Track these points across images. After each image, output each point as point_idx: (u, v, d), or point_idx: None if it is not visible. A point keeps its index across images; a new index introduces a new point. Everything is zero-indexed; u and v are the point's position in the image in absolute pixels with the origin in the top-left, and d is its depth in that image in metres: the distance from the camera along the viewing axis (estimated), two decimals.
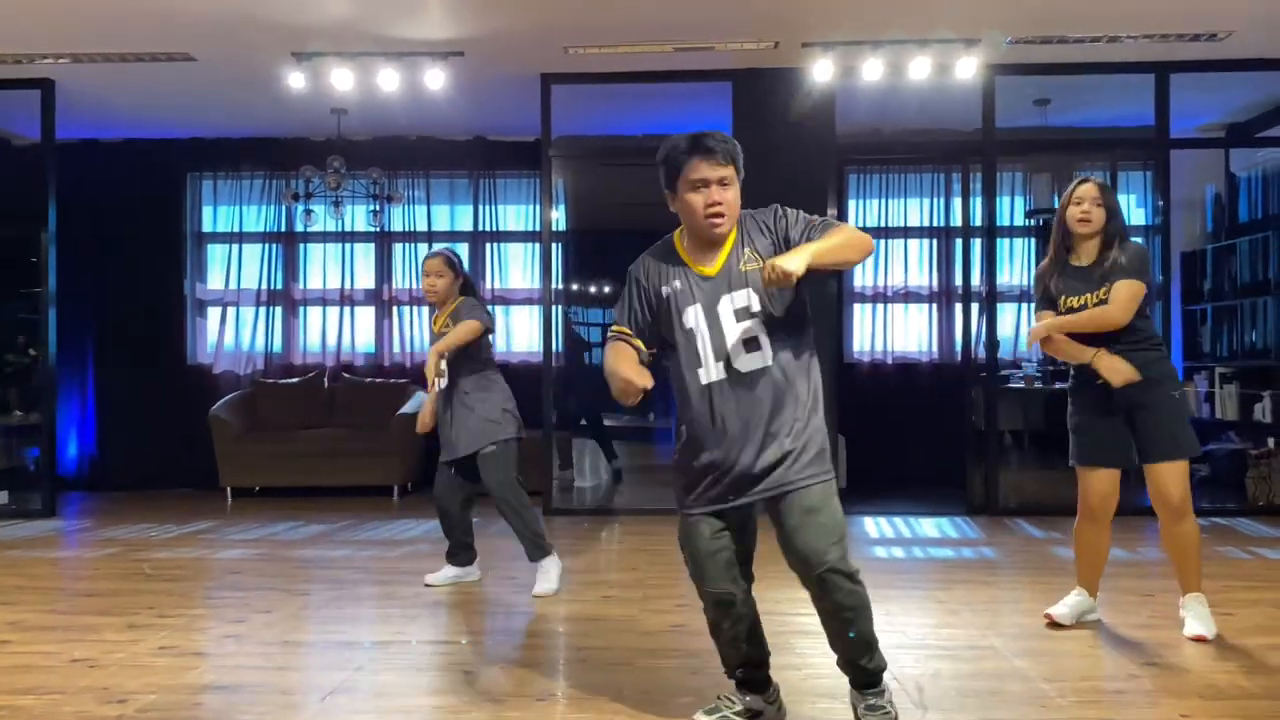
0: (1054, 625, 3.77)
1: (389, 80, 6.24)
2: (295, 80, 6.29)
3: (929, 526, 6.19)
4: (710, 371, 2.63)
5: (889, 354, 8.34)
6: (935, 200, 8.37)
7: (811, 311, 2.75)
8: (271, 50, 6.13)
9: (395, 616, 4.09)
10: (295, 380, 8.14)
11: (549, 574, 4.42)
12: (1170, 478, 3.59)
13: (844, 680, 3.19)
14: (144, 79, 6.63)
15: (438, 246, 5.05)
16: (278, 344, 8.45)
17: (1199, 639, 3.58)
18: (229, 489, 7.56)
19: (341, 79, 6.24)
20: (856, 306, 8.36)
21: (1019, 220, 8.20)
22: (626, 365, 2.58)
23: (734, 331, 2.61)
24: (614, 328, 2.73)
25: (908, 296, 8.38)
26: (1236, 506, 6.73)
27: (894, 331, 8.34)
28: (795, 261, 2.43)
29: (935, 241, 8.39)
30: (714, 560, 2.66)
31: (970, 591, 4.43)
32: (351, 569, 5.03)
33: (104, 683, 3.22)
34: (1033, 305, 3.85)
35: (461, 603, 4.36)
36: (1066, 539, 5.47)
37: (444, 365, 4.37)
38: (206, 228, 8.57)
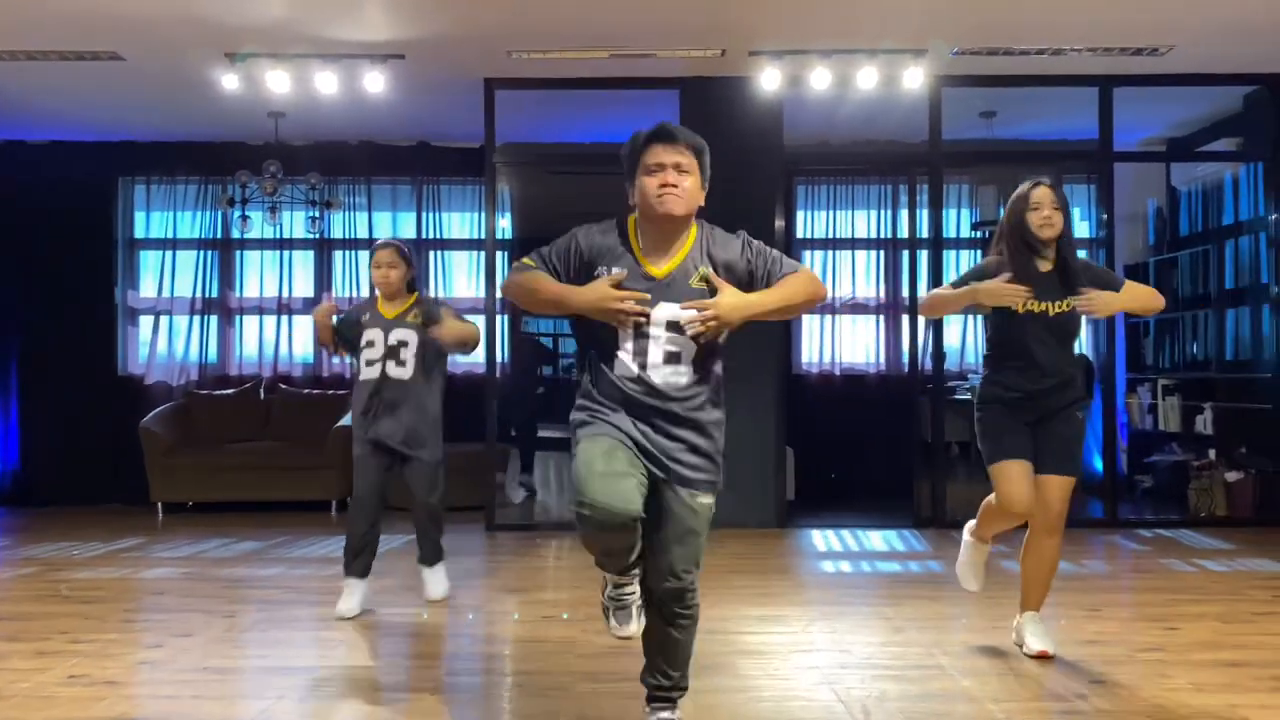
0: (1045, 656, 3.57)
1: (327, 83, 6.07)
2: (229, 82, 6.10)
3: (876, 539, 6.14)
4: (628, 367, 2.54)
5: (836, 365, 8.30)
6: (882, 212, 8.36)
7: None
8: (203, 51, 5.93)
9: (326, 640, 3.92)
10: (230, 391, 7.89)
11: (440, 576, 4.43)
12: (1062, 491, 3.55)
13: (791, 700, 3.11)
14: (71, 78, 6.38)
15: (385, 236, 4.82)
16: (212, 354, 8.19)
17: (1043, 655, 3.52)
18: (160, 504, 7.29)
19: (277, 81, 6.05)
20: (804, 318, 8.31)
21: (965, 232, 8.22)
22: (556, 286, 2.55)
23: (660, 341, 2.51)
24: (524, 261, 2.61)
25: (855, 308, 8.36)
26: (1179, 518, 6.76)
27: (841, 343, 8.31)
28: (735, 314, 2.45)
29: (882, 253, 8.38)
30: (623, 481, 2.44)
31: (917, 608, 4.36)
32: (282, 589, 4.83)
33: (6, 715, 3.01)
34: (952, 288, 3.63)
35: (395, 625, 4.19)
36: (1014, 552, 5.45)
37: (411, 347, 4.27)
38: (139, 234, 8.29)
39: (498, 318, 6.80)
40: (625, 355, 2.52)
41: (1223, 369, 7.38)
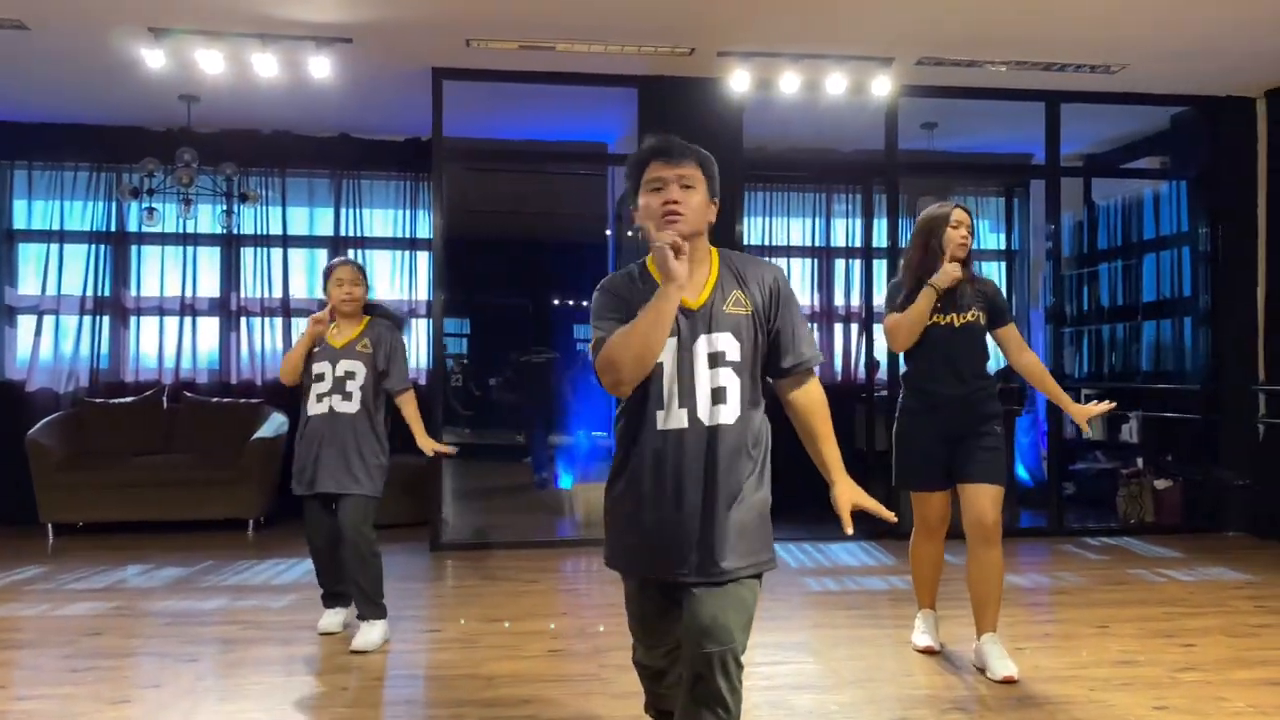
0: (930, 651, 3.84)
1: (266, 65, 5.55)
2: (153, 59, 5.51)
3: (840, 553, 6.02)
4: (670, 417, 2.24)
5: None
6: (817, 220, 8.32)
7: None
8: (125, 24, 5.33)
9: (315, 685, 3.50)
10: (129, 400, 7.18)
11: (375, 630, 3.98)
12: (993, 501, 3.61)
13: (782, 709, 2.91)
14: None
15: (339, 254, 4.43)
16: (104, 358, 7.45)
17: (1008, 680, 3.48)
18: (50, 525, 6.54)
19: (209, 61, 5.50)
20: None
21: (905, 242, 8.25)
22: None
23: (704, 378, 2.25)
24: (597, 342, 2.24)
25: None
26: (1116, 525, 6.92)
27: None
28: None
29: (817, 261, 8.33)
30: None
31: (948, 630, 4.21)
32: (238, 624, 4.33)
33: None
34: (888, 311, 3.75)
35: (399, 659, 3.80)
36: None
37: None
38: (19, 224, 7.46)
39: (442, 321, 6.35)
40: (662, 415, 2.24)
41: (1145, 379, 7.63)
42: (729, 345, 2.25)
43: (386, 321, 4.20)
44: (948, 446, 3.65)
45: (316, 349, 4.09)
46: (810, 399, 2.36)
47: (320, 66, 5.59)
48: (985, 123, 7.35)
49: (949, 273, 3.61)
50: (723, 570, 2.21)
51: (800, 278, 8.31)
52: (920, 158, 7.35)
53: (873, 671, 3.65)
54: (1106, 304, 8.15)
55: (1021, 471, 8.03)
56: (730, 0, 5.14)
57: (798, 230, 8.31)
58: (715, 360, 2.24)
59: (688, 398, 2.23)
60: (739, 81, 5.93)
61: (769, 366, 2.34)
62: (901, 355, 3.83)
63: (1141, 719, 3.14)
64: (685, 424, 2.22)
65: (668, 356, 2.23)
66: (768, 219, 8.21)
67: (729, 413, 2.24)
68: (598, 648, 3.99)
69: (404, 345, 4.24)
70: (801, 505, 7.32)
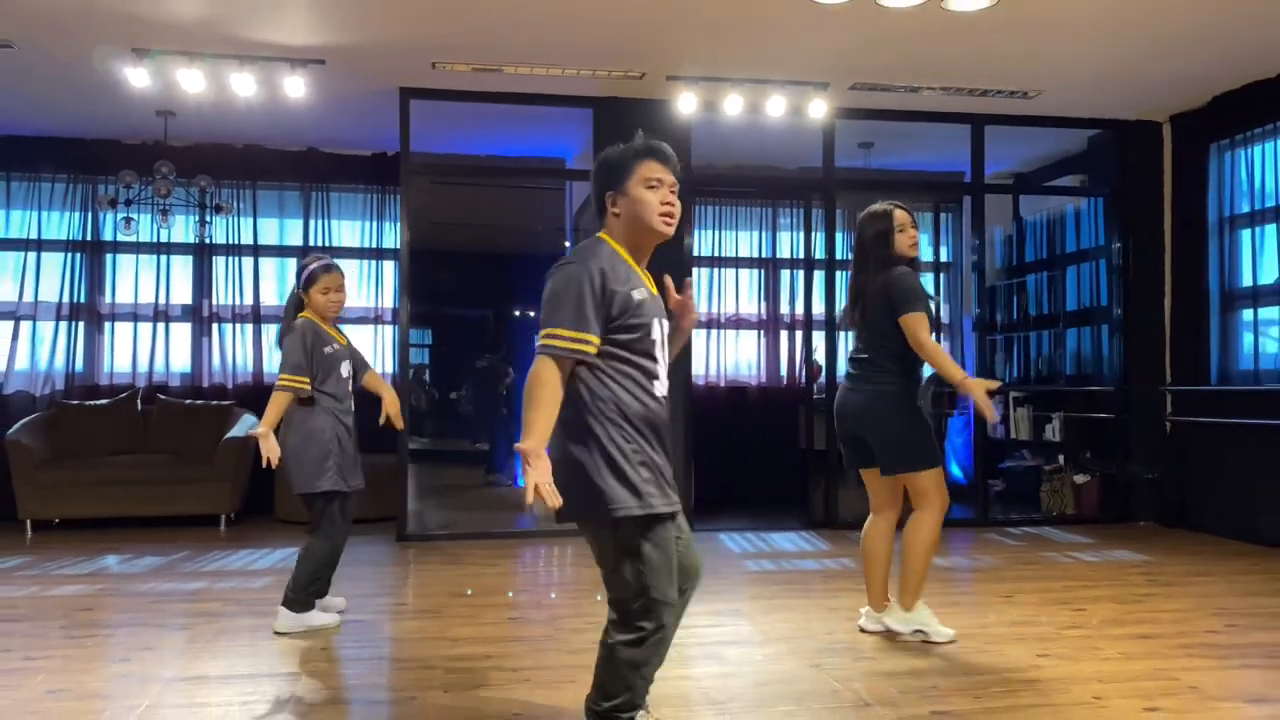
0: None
1: (244, 85, 5.92)
2: (136, 78, 5.86)
3: (781, 541, 6.47)
4: (662, 385, 2.56)
5: (721, 377, 8.67)
6: (763, 233, 8.81)
7: None
8: (110, 45, 5.68)
9: (295, 645, 3.87)
10: (105, 402, 7.47)
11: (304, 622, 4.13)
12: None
13: (792, 683, 3.36)
14: None
15: (323, 258, 4.60)
16: (80, 362, 7.74)
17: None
18: (28, 521, 6.82)
19: (189, 80, 5.86)
20: (694, 333, 8.62)
21: (842, 254, 8.75)
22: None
23: (665, 356, 2.58)
24: (578, 337, 2.39)
25: (738, 324, 8.76)
26: (1038, 517, 7.45)
27: (726, 356, 8.69)
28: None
29: (763, 272, 8.82)
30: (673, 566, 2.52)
31: (857, 598, 4.60)
32: (218, 601, 4.69)
33: None
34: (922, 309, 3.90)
35: (362, 627, 4.18)
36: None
37: None
38: None
39: (392, 329, 6.74)
40: (655, 375, 2.53)
41: (1067, 383, 8.18)
42: (667, 328, 2.62)
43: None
44: None
45: (330, 351, 4.17)
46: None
47: (295, 86, 5.97)
48: (919, 143, 7.87)
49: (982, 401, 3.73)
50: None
51: (749, 287, 8.79)
52: (857, 175, 7.86)
53: (797, 630, 4.09)
54: (1034, 312, 8.71)
55: (955, 470, 8.54)
56: (676, 29, 5.60)
57: (745, 243, 8.79)
58: (663, 341, 2.58)
59: (664, 369, 2.57)
60: (686, 104, 6.39)
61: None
62: (889, 345, 3.87)
63: (1026, 665, 3.60)
64: (664, 393, 2.58)
65: (659, 333, 2.54)
66: (717, 232, 8.69)
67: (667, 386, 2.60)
68: (553, 615, 4.39)
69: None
70: (746, 498, 7.87)
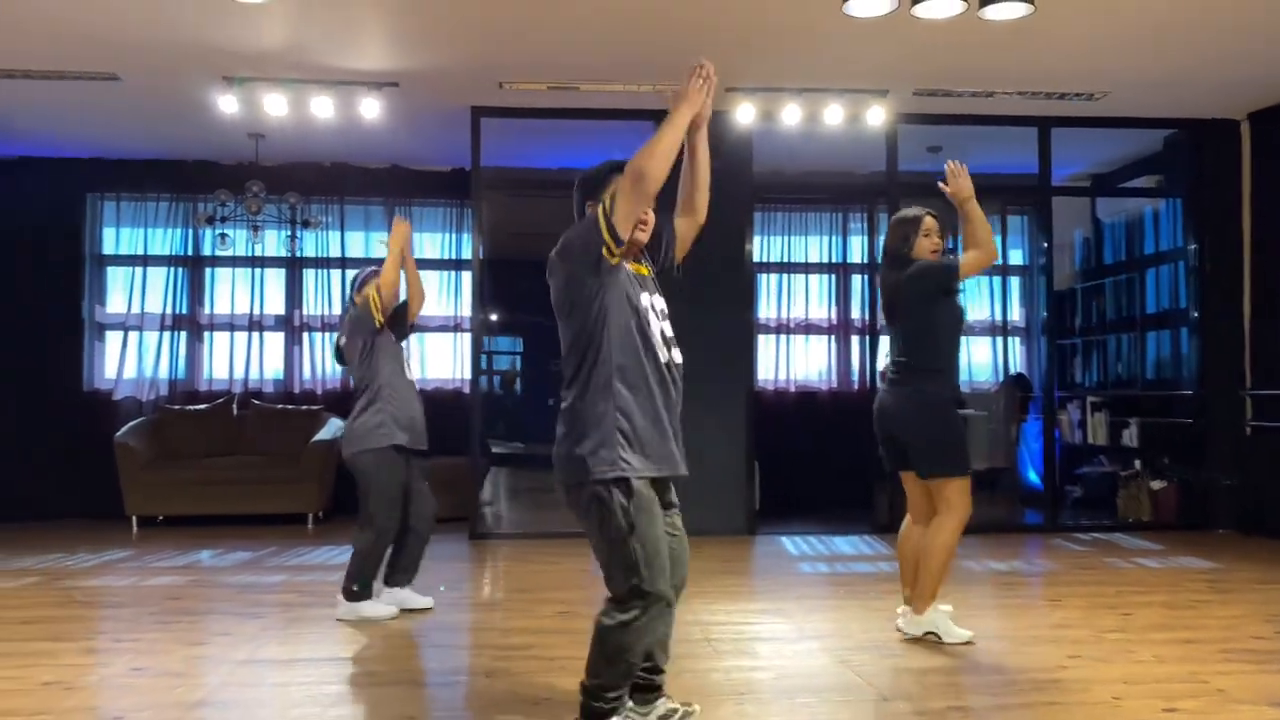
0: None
1: (323, 108, 6.30)
2: (226, 104, 6.29)
3: (842, 544, 6.55)
4: (664, 352, 2.75)
5: (791, 382, 8.75)
6: (833, 238, 8.86)
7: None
8: (203, 74, 6.12)
9: (359, 633, 4.15)
10: (204, 407, 7.98)
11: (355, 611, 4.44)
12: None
13: (816, 677, 3.48)
14: (63, 96, 6.48)
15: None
16: (182, 370, 8.27)
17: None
18: (134, 518, 7.34)
19: (274, 104, 6.26)
20: (760, 338, 8.75)
21: None
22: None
23: (661, 327, 2.78)
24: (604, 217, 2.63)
25: (808, 328, 8.83)
26: (1110, 523, 7.34)
27: (794, 361, 8.78)
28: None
29: (833, 277, 8.87)
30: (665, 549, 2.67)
31: (898, 601, 4.74)
32: (295, 593, 5.02)
33: (89, 703, 3.21)
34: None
35: (423, 618, 4.44)
36: (969, 554, 5.95)
37: None
38: (108, 250, 8.33)
39: (483, 336, 7.03)
40: (660, 350, 2.73)
41: (1146, 387, 8.04)
42: (664, 303, 2.86)
43: None
44: None
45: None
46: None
47: (370, 108, 6.32)
48: (990, 145, 7.83)
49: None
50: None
51: (818, 292, 8.86)
52: (923, 179, 7.84)
53: (834, 629, 4.20)
54: (1112, 316, 8.56)
55: (1032, 475, 8.45)
56: (730, 44, 5.75)
57: (815, 248, 8.86)
58: (661, 316, 2.81)
59: (663, 339, 2.77)
60: (744, 114, 6.54)
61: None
62: (924, 347, 3.92)
63: (1054, 666, 3.64)
64: (670, 358, 2.78)
65: (647, 306, 2.75)
66: (786, 237, 8.77)
67: (678, 354, 2.82)
68: None
69: None
70: (815, 503, 7.93)
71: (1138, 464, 7.70)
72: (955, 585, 5.00)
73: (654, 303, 2.80)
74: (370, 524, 4.40)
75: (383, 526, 4.42)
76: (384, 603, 4.47)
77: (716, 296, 6.93)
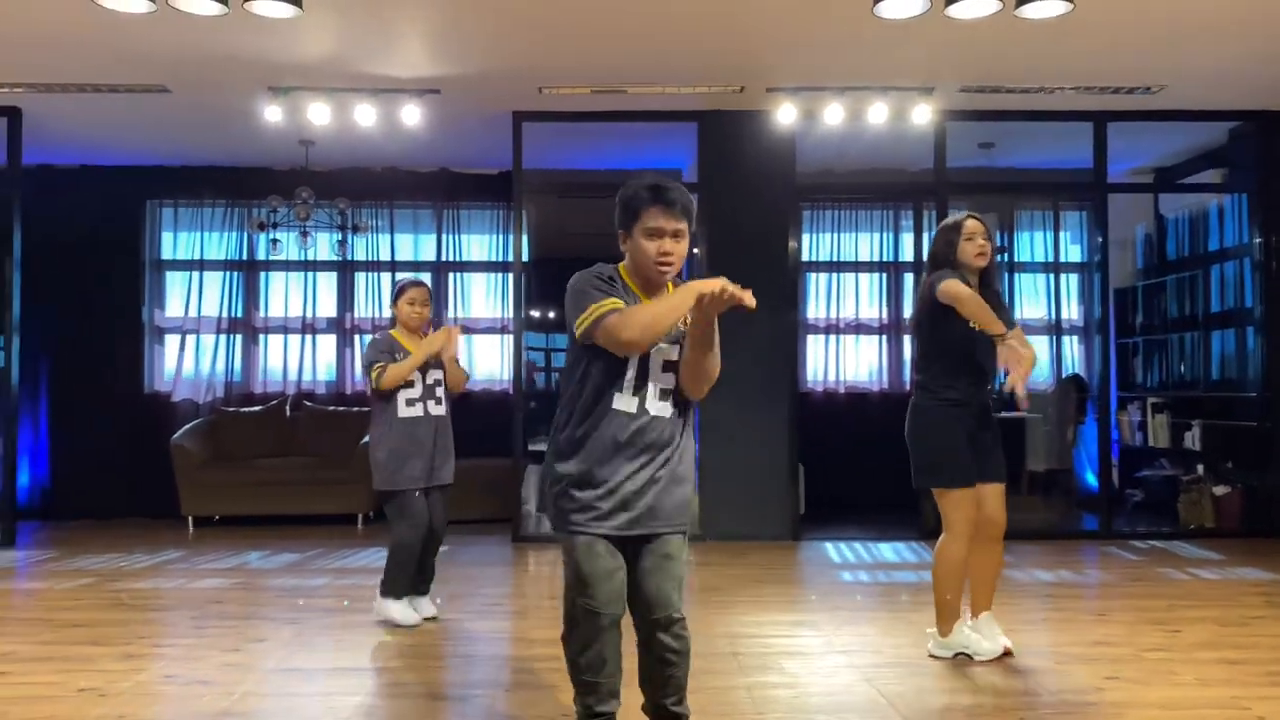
0: (1009, 653, 3.90)
1: (365, 115, 6.37)
2: (271, 114, 6.39)
3: (886, 551, 6.45)
4: (628, 402, 2.63)
5: (840, 383, 8.64)
6: (885, 235, 8.72)
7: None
8: (249, 85, 6.22)
9: (388, 641, 4.19)
10: (257, 409, 8.15)
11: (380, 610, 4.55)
12: (1003, 497, 3.91)
13: (838, 695, 3.42)
14: (116, 108, 6.65)
15: (411, 275, 5.00)
16: (238, 372, 8.45)
17: (1008, 653, 3.84)
18: (190, 518, 7.52)
19: (318, 113, 6.35)
20: (809, 338, 8.65)
21: None
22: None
23: (658, 379, 2.66)
24: (597, 307, 2.55)
25: (858, 328, 8.70)
26: (1170, 530, 7.11)
27: (845, 362, 8.66)
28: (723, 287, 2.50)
29: (884, 275, 8.73)
30: (613, 580, 2.66)
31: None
32: (333, 597, 5.09)
33: (119, 710, 3.28)
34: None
35: (454, 630, 4.47)
36: (1017, 562, 5.82)
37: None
38: (166, 255, 8.54)
39: (524, 336, 7.05)
40: (626, 393, 2.63)
41: (1210, 388, 7.76)
42: (678, 355, 2.70)
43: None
44: (971, 438, 3.80)
45: (401, 356, 4.55)
46: None
47: (412, 114, 6.38)
48: (1044, 141, 7.63)
49: (1017, 355, 3.59)
50: None
51: (869, 291, 8.73)
52: (972, 176, 7.69)
53: (865, 644, 4.13)
54: (1175, 314, 8.29)
55: (1091, 479, 8.23)
56: (770, 46, 5.68)
57: (866, 246, 8.72)
58: (668, 366, 2.68)
59: (642, 389, 2.65)
60: (786, 114, 6.45)
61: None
62: (926, 360, 3.89)
63: (1088, 688, 3.53)
64: (638, 411, 2.65)
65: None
66: (835, 235, 8.65)
67: (668, 409, 2.68)
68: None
69: None
70: (864, 507, 7.82)
71: (1200, 468, 7.45)
72: (999, 595, 4.86)
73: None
74: (395, 527, 4.51)
75: (410, 528, 4.49)
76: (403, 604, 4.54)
77: (758, 296, 6.83)
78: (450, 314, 8.46)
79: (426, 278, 8.47)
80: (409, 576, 4.52)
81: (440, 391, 4.62)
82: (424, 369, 4.58)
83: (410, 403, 4.54)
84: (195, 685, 3.59)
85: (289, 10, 4.09)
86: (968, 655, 3.85)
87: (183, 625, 4.54)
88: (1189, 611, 4.66)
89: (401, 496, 4.46)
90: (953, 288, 3.70)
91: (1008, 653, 3.87)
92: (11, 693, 3.51)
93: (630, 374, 2.64)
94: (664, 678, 2.72)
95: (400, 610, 4.47)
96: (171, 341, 8.47)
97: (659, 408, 2.67)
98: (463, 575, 5.51)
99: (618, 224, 2.73)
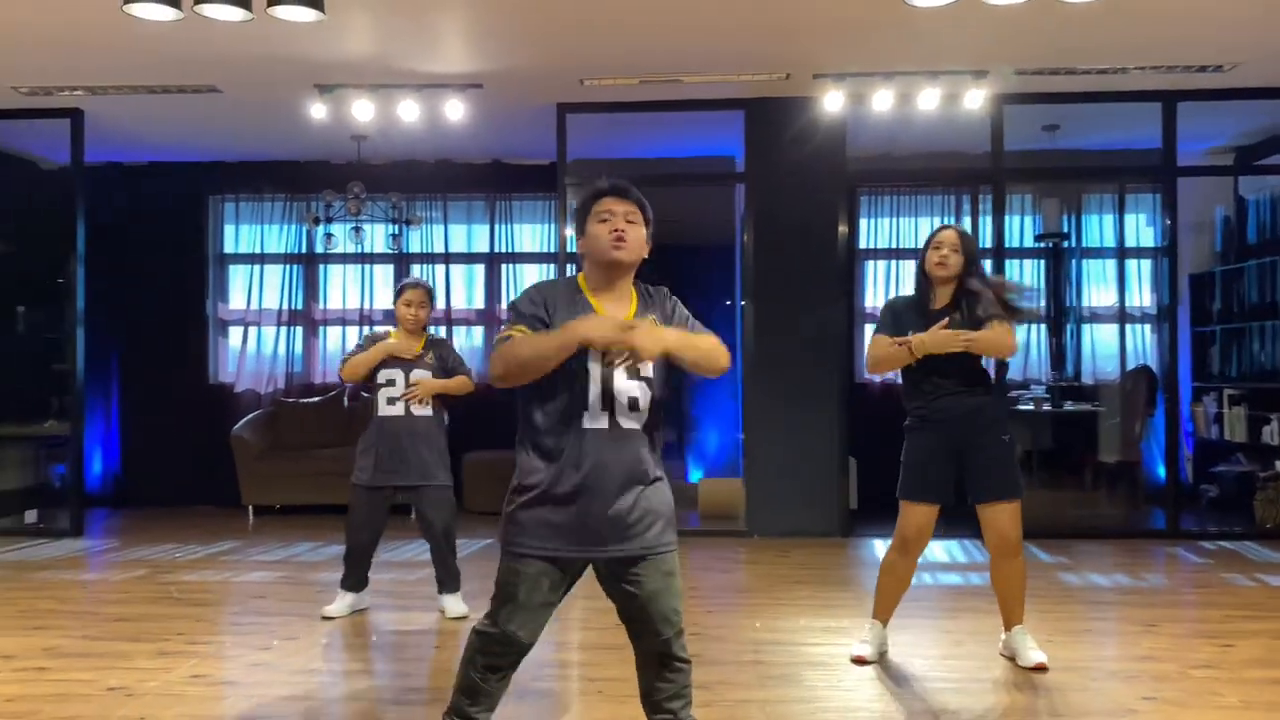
0: (861, 662, 3.85)
1: (409, 111, 6.39)
2: (317, 111, 6.46)
3: (937, 550, 6.28)
4: (594, 419, 2.51)
5: (898, 374, 8.42)
6: (946, 219, 8.45)
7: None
8: (295, 83, 6.29)
9: (418, 640, 4.22)
10: (316, 400, 8.29)
11: (459, 599, 4.69)
12: (1009, 518, 3.75)
13: (854, 713, 3.33)
14: (171, 108, 6.80)
15: (414, 276, 5.05)
16: (298, 363, 8.61)
17: (1040, 667, 3.71)
18: (250, 507, 7.71)
19: (362, 110, 6.39)
20: (868, 328, 8.45)
21: (1028, 242, 8.31)
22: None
23: (624, 388, 2.53)
24: (507, 332, 2.51)
25: None
26: (1242, 530, 6.80)
27: None
28: (660, 343, 2.46)
29: None
30: (541, 613, 2.65)
31: (976, 621, 4.48)
32: (373, 593, 5.13)
33: (140, 713, 3.36)
34: (877, 330, 3.89)
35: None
36: (1074, 564, 5.63)
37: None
38: (228, 249, 8.73)
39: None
40: (593, 407, 2.50)
41: None
42: (646, 364, 2.54)
43: (439, 338, 4.89)
44: (954, 461, 3.73)
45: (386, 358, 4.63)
46: None
47: (455, 109, 6.38)
48: (1115, 120, 7.30)
49: (937, 341, 3.62)
50: None
51: None
52: (1033, 159, 7.40)
53: (892, 654, 4.00)
54: (1255, 301, 7.89)
55: (1161, 471, 7.91)
56: (813, 33, 5.53)
57: (926, 232, 8.44)
58: (632, 373, 2.52)
59: (608, 402, 2.51)
60: (833, 101, 6.29)
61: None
62: (904, 369, 3.83)
63: (1121, 709, 3.37)
64: (606, 425, 2.52)
65: (593, 366, 2.50)
66: (894, 220, 8.43)
67: (639, 420, 2.55)
68: None
69: (460, 357, 4.86)
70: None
71: (1279, 464, 7.09)
72: (1047, 602, 4.73)
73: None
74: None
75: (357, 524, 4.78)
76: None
77: (809, 286, 6.73)
78: (503, 304, 8.48)
79: (480, 269, 8.63)
80: (355, 577, 4.73)
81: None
82: (407, 370, 4.60)
83: (391, 401, 4.62)
84: (220, 686, 3.66)
85: (311, 14, 4.08)
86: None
87: (222, 621, 4.64)
88: (1246, 624, 4.43)
89: (352, 492, 4.68)
90: (869, 357, 3.91)
91: (1041, 667, 3.73)
92: (46, 690, 3.61)
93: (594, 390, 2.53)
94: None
95: (336, 603, 4.65)
96: (234, 333, 8.67)
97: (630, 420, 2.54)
98: (489, 573, 5.50)
99: (575, 231, 2.70)
